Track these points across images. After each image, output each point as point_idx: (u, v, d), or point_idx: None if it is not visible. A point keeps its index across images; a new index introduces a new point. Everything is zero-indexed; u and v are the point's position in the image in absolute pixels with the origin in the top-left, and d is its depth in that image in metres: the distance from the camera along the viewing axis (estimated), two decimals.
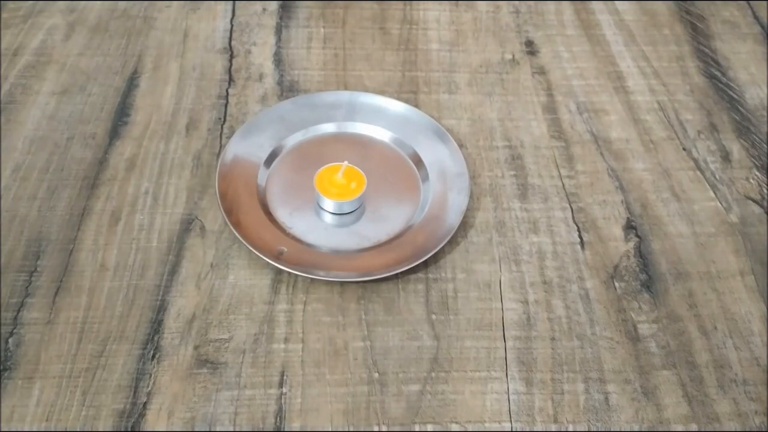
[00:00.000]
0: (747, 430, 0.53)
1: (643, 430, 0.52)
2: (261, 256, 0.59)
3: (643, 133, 0.73)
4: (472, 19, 0.86)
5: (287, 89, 0.76)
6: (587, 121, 0.74)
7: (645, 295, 0.60)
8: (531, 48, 0.82)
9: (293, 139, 0.70)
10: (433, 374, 0.55)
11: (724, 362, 0.56)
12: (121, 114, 0.72)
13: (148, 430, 0.51)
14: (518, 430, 0.52)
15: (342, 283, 0.59)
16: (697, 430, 0.53)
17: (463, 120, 0.74)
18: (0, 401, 0.52)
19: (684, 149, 0.72)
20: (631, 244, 0.64)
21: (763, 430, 0.53)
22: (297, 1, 0.87)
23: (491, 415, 0.53)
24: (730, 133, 0.74)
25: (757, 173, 0.70)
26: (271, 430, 0.51)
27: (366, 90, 0.76)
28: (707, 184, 0.69)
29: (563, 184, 0.68)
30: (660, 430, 0.52)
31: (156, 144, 0.70)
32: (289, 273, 0.59)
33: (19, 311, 0.57)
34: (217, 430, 0.51)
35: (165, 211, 0.64)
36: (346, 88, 0.76)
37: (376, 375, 0.54)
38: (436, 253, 0.61)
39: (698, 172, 0.70)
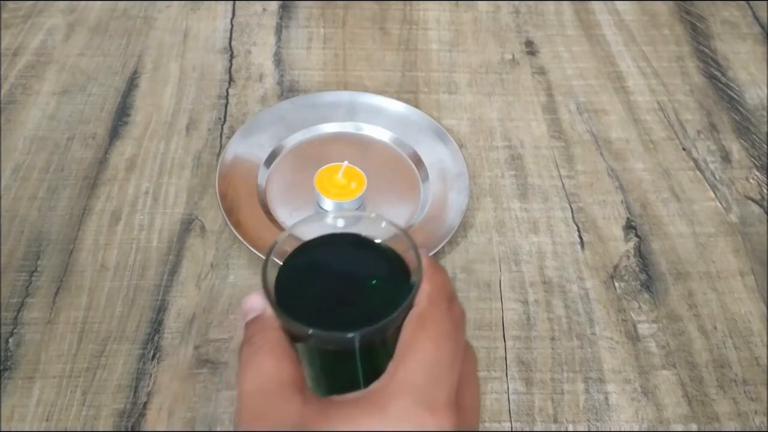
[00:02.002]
0: (747, 430, 0.53)
1: (642, 429, 0.52)
2: (261, 256, 0.59)
3: (642, 133, 0.73)
4: (472, 19, 0.86)
5: (287, 89, 0.76)
6: (587, 121, 0.74)
7: (645, 295, 0.60)
8: (531, 48, 0.82)
9: (293, 139, 0.70)
10: None
11: (723, 362, 0.56)
12: (121, 114, 0.72)
13: (148, 430, 0.51)
14: (518, 429, 0.52)
15: None
16: (696, 430, 0.53)
17: (463, 120, 0.74)
18: (0, 401, 0.52)
19: (684, 149, 0.72)
20: (631, 244, 0.64)
21: (763, 430, 0.53)
22: (297, 1, 0.87)
23: (491, 415, 0.53)
24: (729, 133, 0.74)
25: (757, 173, 0.70)
26: None
27: (366, 90, 0.76)
28: (707, 184, 0.69)
29: (563, 184, 0.68)
30: (660, 429, 0.52)
31: (156, 144, 0.70)
32: None
33: (19, 311, 0.57)
34: (217, 430, 0.51)
35: (165, 211, 0.64)
36: (346, 88, 0.76)
37: None
38: (436, 253, 0.61)
39: (698, 172, 0.70)
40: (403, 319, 0.30)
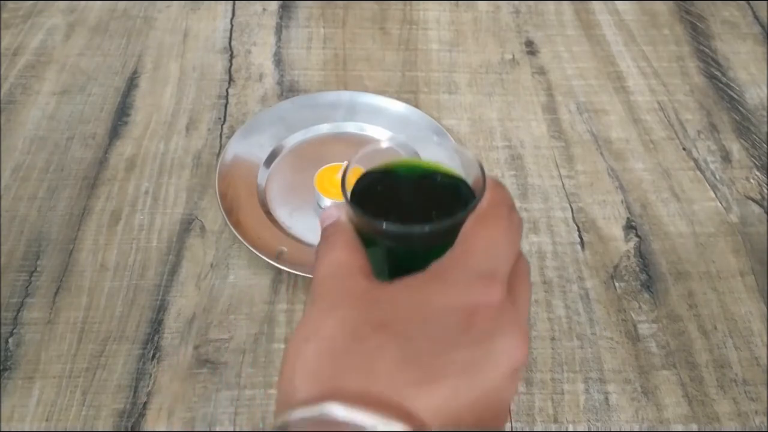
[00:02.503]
0: (747, 430, 0.53)
1: (643, 430, 0.52)
2: (261, 256, 0.59)
3: (643, 133, 0.73)
4: (472, 19, 0.86)
5: (287, 89, 0.76)
6: (587, 121, 0.74)
7: (645, 295, 0.60)
8: (531, 48, 0.82)
9: (293, 139, 0.70)
10: None
11: (724, 362, 0.56)
12: (121, 114, 0.72)
13: (148, 430, 0.51)
14: (518, 430, 0.52)
15: None
16: (697, 430, 0.53)
17: (463, 120, 0.74)
18: (0, 401, 0.52)
19: (684, 149, 0.72)
20: (631, 244, 0.64)
21: (763, 430, 0.53)
22: (297, 1, 0.87)
23: None
24: (730, 133, 0.74)
25: (757, 173, 0.70)
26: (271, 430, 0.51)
27: (366, 90, 0.76)
28: (707, 184, 0.69)
29: (563, 184, 0.68)
30: (660, 430, 0.52)
31: (156, 144, 0.70)
32: (289, 273, 0.59)
33: (19, 311, 0.57)
34: (217, 430, 0.51)
35: (165, 211, 0.64)
36: (346, 88, 0.76)
37: None
38: None
39: (698, 172, 0.70)
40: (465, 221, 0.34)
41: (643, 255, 0.63)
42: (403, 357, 0.30)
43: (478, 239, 0.32)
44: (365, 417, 0.28)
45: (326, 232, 0.36)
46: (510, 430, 0.52)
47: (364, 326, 0.31)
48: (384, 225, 0.33)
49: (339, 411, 0.28)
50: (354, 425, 0.28)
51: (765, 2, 0.90)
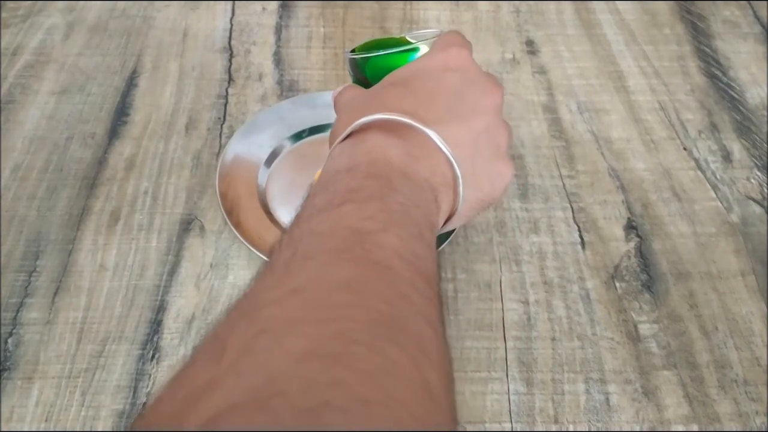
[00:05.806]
0: (748, 430, 0.52)
1: (643, 430, 0.52)
2: (262, 256, 0.59)
3: (643, 132, 0.73)
4: (473, 18, 0.86)
5: (287, 89, 0.76)
6: (588, 121, 0.74)
7: (646, 295, 0.60)
8: (531, 47, 0.82)
9: (293, 139, 0.70)
10: None
11: (724, 362, 0.56)
12: (121, 114, 0.72)
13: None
14: (519, 430, 0.52)
15: None
16: (697, 430, 0.52)
17: None
18: None
19: (685, 149, 0.72)
20: (632, 244, 0.64)
21: (764, 430, 0.53)
22: (297, 1, 0.86)
23: (491, 416, 0.52)
24: (730, 133, 0.74)
25: (758, 173, 0.70)
26: None
27: None
28: (708, 184, 0.69)
29: (564, 184, 0.68)
30: (661, 430, 0.52)
31: (155, 144, 0.69)
32: None
33: (18, 311, 0.57)
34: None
35: (164, 211, 0.64)
36: None
37: None
38: None
39: (699, 172, 0.70)
40: None
41: (643, 255, 0.63)
42: (417, 97, 0.44)
43: (438, 40, 0.48)
44: (395, 116, 0.41)
45: (339, 91, 0.52)
46: (510, 430, 0.52)
47: (382, 86, 0.46)
48: (380, 52, 0.51)
49: (374, 116, 0.42)
50: (383, 120, 0.42)
51: (766, 2, 0.90)
